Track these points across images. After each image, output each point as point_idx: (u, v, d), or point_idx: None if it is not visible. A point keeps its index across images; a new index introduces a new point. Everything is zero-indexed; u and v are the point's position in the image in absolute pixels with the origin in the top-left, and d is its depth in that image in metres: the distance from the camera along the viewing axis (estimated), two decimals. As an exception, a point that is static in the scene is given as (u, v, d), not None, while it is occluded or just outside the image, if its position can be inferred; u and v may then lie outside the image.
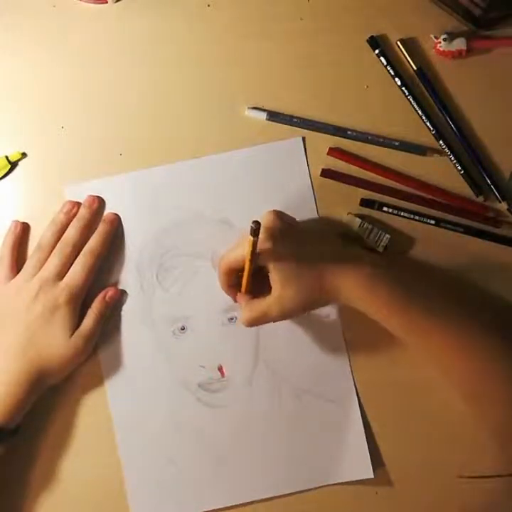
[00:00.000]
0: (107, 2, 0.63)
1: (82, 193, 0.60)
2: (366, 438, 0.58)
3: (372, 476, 0.58)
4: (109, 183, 0.61)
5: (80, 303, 0.57)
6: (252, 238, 0.49)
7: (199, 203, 0.61)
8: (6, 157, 0.61)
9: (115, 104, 0.62)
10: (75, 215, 0.60)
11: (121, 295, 0.60)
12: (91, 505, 0.58)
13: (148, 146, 0.61)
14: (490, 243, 0.60)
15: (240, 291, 0.56)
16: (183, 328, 0.59)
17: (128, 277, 0.60)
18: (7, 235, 0.60)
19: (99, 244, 0.59)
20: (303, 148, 0.61)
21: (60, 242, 0.58)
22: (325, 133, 0.61)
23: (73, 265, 0.57)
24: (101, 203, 0.60)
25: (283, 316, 0.54)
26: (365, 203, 0.61)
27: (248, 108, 0.62)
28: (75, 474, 0.58)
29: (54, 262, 0.57)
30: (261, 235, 0.51)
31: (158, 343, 0.59)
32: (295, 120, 0.61)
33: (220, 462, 0.58)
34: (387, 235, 0.59)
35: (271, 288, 0.53)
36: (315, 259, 0.53)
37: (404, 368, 0.59)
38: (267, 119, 0.61)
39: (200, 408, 0.59)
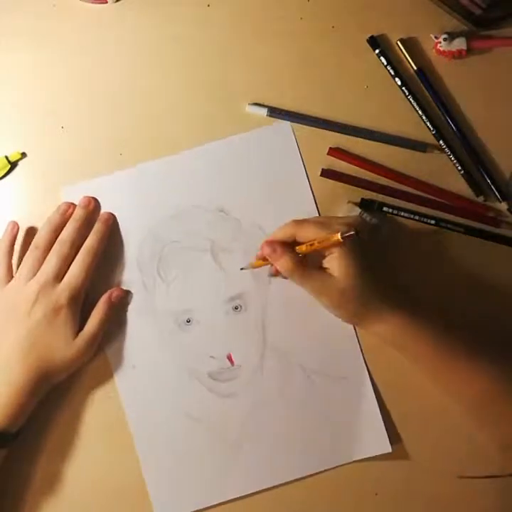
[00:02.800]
0: (106, 2, 0.63)
1: (78, 193, 0.60)
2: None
3: (390, 450, 0.57)
4: (103, 182, 0.61)
5: (80, 303, 0.57)
6: (340, 239, 0.50)
7: (194, 194, 0.61)
8: (6, 157, 0.61)
9: (115, 104, 0.62)
10: (70, 215, 0.59)
11: (126, 295, 0.59)
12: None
13: (149, 145, 0.61)
14: (490, 243, 0.60)
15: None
16: (188, 321, 0.59)
17: (129, 274, 0.60)
18: (4, 236, 0.59)
19: (96, 243, 0.58)
20: (291, 132, 0.61)
21: (57, 242, 0.58)
22: (325, 129, 0.61)
23: (72, 266, 0.57)
24: (96, 203, 0.60)
25: (316, 295, 0.54)
26: (365, 203, 0.61)
27: (249, 104, 0.61)
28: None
29: (52, 263, 0.57)
30: (351, 223, 0.52)
31: (165, 337, 0.59)
32: (296, 116, 0.61)
33: (236, 450, 0.58)
34: (385, 226, 0.59)
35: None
36: (375, 282, 0.54)
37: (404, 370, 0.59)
38: (267, 115, 0.61)
39: (212, 398, 0.59)
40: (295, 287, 0.57)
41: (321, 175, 0.61)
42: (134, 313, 0.59)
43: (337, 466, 0.58)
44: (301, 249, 0.54)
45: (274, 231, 0.56)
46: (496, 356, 0.54)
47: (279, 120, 0.61)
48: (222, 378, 0.59)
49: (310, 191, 0.61)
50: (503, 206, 0.61)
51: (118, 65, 0.63)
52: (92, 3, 0.63)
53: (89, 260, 0.58)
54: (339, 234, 0.51)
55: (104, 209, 0.61)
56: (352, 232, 0.50)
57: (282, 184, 0.61)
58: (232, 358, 0.59)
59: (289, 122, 0.61)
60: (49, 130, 0.62)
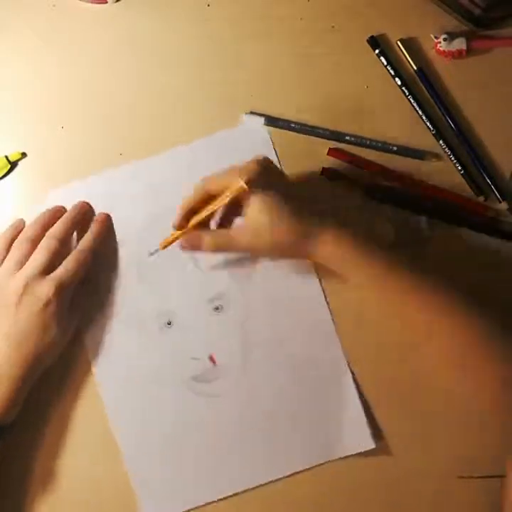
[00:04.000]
0: (106, 2, 0.63)
1: (62, 198, 0.60)
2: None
3: (374, 446, 0.57)
4: (84, 185, 0.61)
5: (68, 298, 0.56)
6: (243, 185, 0.51)
7: (168, 197, 0.60)
8: (6, 157, 0.61)
9: (115, 103, 0.62)
10: (61, 214, 0.59)
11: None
12: (89, 503, 0.58)
13: (148, 145, 0.61)
14: (490, 243, 0.60)
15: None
16: (169, 323, 0.59)
17: (110, 277, 0.60)
18: (6, 230, 0.59)
19: (91, 242, 0.58)
20: (265, 129, 0.61)
21: (46, 236, 0.57)
22: (323, 138, 0.61)
23: (64, 261, 0.56)
24: (90, 208, 0.61)
25: (251, 247, 0.55)
26: (369, 191, 0.60)
27: (245, 114, 0.61)
28: (73, 473, 0.58)
29: (40, 256, 0.56)
30: (252, 173, 0.53)
31: (146, 340, 0.59)
32: (293, 125, 0.61)
33: (225, 449, 0.58)
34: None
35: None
36: (295, 212, 0.54)
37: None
38: (264, 124, 0.61)
39: (197, 399, 0.59)
40: (275, 286, 0.59)
41: (321, 174, 0.61)
42: (115, 316, 0.59)
43: (325, 463, 0.58)
44: (205, 213, 0.55)
45: (185, 200, 0.56)
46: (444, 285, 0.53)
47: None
48: (206, 379, 0.59)
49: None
50: (503, 206, 0.61)
51: (118, 65, 0.63)
52: (92, 3, 0.63)
53: (82, 258, 0.57)
54: (242, 182, 0.51)
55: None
56: (243, 184, 0.51)
57: None
58: (215, 358, 0.59)
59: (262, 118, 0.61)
60: (49, 130, 0.62)
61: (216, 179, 0.55)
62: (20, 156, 0.61)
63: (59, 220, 0.58)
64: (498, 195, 0.61)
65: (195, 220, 0.55)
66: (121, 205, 0.61)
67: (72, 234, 0.59)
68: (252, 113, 0.62)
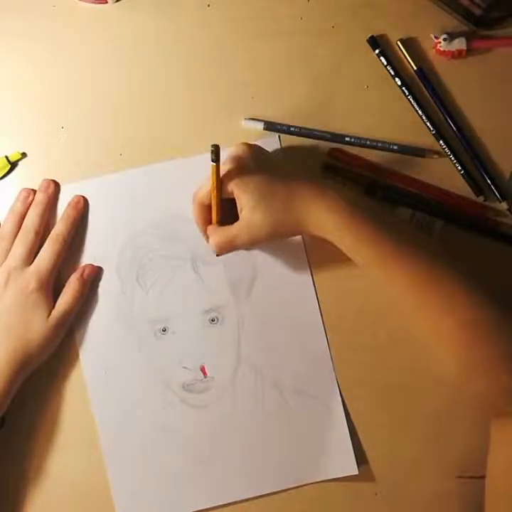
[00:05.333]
0: (107, 2, 0.63)
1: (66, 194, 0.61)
2: (356, 436, 0.58)
3: (357, 473, 0.58)
4: (88, 185, 0.61)
5: (51, 288, 0.57)
6: (213, 164, 0.50)
7: (176, 203, 0.60)
8: (6, 157, 0.61)
9: (115, 104, 0.62)
10: (31, 202, 0.60)
11: (99, 272, 0.60)
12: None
13: (148, 146, 0.61)
14: (490, 243, 0.60)
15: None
16: (164, 330, 0.59)
17: (108, 279, 0.60)
18: None
19: (65, 228, 0.59)
20: (279, 145, 0.61)
21: (21, 229, 0.58)
22: (322, 140, 0.61)
23: (41, 251, 0.58)
24: (56, 186, 0.60)
25: (251, 241, 0.54)
26: (369, 189, 0.60)
27: (245, 119, 0.61)
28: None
29: (19, 249, 0.57)
30: (230, 165, 0.53)
31: (139, 345, 0.59)
32: (292, 129, 0.61)
33: (204, 462, 0.58)
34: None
35: None
36: (284, 185, 0.53)
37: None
38: (264, 129, 0.61)
39: (183, 409, 0.59)
40: (273, 304, 0.59)
41: (321, 170, 0.61)
42: (110, 318, 0.59)
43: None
44: (213, 214, 0.55)
45: (194, 218, 0.57)
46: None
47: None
48: (195, 389, 0.59)
49: None
50: (503, 206, 0.61)
51: (118, 66, 0.63)
52: (92, 3, 0.63)
53: (57, 246, 0.58)
54: (211, 163, 0.50)
55: (90, 212, 0.61)
56: (212, 148, 0.49)
57: None
58: (205, 369, 0.59)
59: (277, 136, 0.61)
60: (49, 130, 0.62)
61: (201, 189, 0.55)
62: (20, 156, 0.61)
63: (29, 210, 0.59)
64: (498, 195, 0.61)
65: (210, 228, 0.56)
66: (122, 208, 0.61)
67: (45, 221, 0.59)
68: (251, 119, 0.62)
